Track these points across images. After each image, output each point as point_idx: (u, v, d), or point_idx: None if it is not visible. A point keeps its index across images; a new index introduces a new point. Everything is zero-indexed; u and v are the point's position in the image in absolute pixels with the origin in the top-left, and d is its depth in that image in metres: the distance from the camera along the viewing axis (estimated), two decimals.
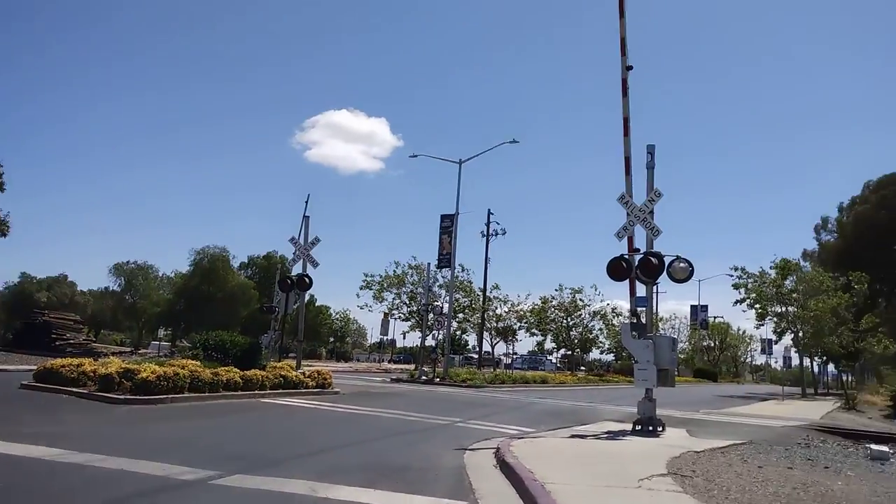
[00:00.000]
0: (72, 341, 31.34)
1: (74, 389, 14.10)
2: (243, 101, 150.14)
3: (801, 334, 39.83)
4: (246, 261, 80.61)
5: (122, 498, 5.51)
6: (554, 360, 68.58)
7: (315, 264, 21.89)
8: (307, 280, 21.81)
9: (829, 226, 61.53)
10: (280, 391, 17.19)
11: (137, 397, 13.23)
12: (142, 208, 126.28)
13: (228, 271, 73.15)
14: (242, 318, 67.87)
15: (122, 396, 13.28)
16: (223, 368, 16.08)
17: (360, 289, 44.44)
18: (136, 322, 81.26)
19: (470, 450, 9.48)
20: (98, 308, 78.66)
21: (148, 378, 13.60)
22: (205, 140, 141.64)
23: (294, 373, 18.71)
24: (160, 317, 71.12)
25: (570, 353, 60.62)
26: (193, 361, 16.00)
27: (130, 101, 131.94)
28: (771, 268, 40.04)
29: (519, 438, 10.51)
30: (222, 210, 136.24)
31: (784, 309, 40.50)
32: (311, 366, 26.70)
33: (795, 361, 47.27)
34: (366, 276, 44.27)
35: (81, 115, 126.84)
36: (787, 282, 40.25)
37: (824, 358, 45.76)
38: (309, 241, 21.99)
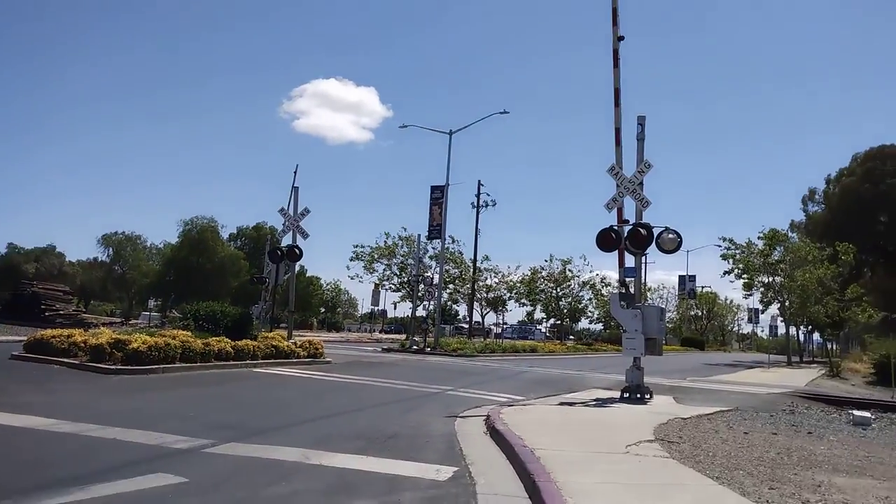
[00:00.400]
0: (61, 312, 31.26)
1: (65, 360, 14.12)
2: (229, 69, 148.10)
3: (787, 304, 40.32)
4: (235, 231, 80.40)
5: (117, 466, 5.57)
6: (543, 330, 69.13)
7: (305, 235, 21.83)
8: (297, 251, 21.78)
9: (817, 197, 62.06)
10: (272, 361, 17.27)
11: (129, 367, 13.26)
12: (129, 175, 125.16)
13: (218, 242, 72.90)
14: (233, 289, 67.83)
15: (113, 367, 13.31)
16: (214, 339, 16.12)
17: (351, 260, 44.41)
18: (125, 293, 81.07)
19: (460, 417, 9.60)
20: (87, 279, 78.37)
21: (139, 348, 13.62)
22: (191, 107, 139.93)
23: (285, 343, 18.78)
24: (150, 287, 70.86)
25: (559, 322, 61.02)
26: (184, 332, 16.03)
27: (117, 64, 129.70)
28: (759, 238, 40.40)
29: (509, 406, 10.65)
30: (211, 180, 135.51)
31: (771, 279, 40.93)
32: (302, 336, 26.83)
33: (781, 330, 48.00)
34: (356, 247, 44.21)
35: (66, 81, 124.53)
36: (775, 252, 40.62)
37: (810, 327, 46.37)
38: (298, 212, 21.90)
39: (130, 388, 11.33)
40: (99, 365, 13.47)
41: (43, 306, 31.14)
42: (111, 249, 78.69)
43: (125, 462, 5.75)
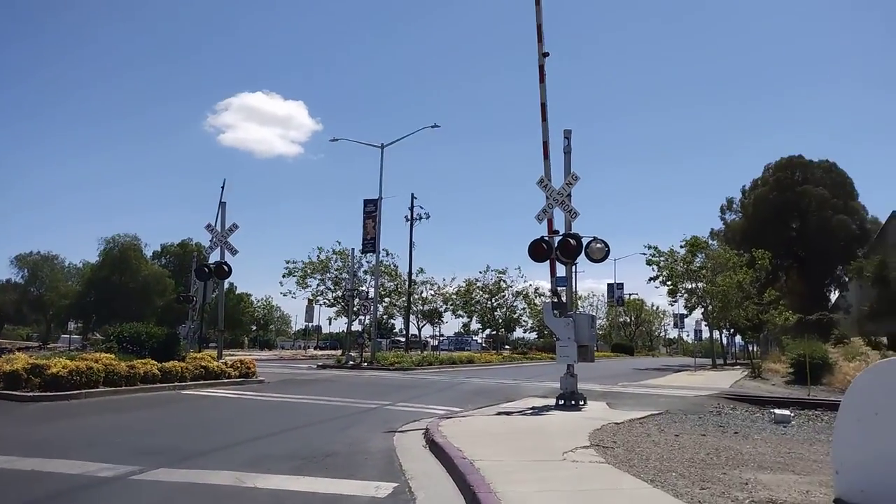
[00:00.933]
0: None
1: None
2: (149, 81, 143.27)
3: (710, 308, 41.96)
4: (159, 249, 77.70)
5: (37, 500, 5.26)
6: (479, 341, 69.69)
7: (234, 252, 21.31)
8: (226, 268, 21.21)
9: (734, 206, 64.94)
10: (202, 382, 16.74)
11: (48, 394, 12.60)
12: (46, 200, 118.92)
13: (141, 260, 70.31)
14: (158, 309, 65.45)
15: (30, 394, 12.60)
16: (140, 361, 15.50)
17: (283, 276, 43.60)
18: (42, 315, 76.95)
19: (399, 432, 9.53)
20: None
21: (59, 373, 12.96)
22: (109, 129, 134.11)
23: (215, 363, 18.24)
24: (69, 309, 67.57)
25: (494, 332, 61.69)
26: (107, 355, 15.31)
27: (32, 88, 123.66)
28: (681, 246, 41.98)
29: (447, 418, 10.65)
30: (133, 199, 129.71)
31: (694, 285, 42.54)
32: (233, 355, 26.11)
33: (706, 334, 49.90)
34: (288, 262, 43.43)
35: None
36: (697, 259, 42.30)
37: (732, 330, 48.32)
38: (226, 227, 21.37)
39: (50, 416, 10.74)
40: (14, 392, 12.71)
41: None
42: (26, 270, 74.58)
43: (45, 495, 5.44)
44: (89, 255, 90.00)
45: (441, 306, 55.55)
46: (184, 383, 16.08)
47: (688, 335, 70.30)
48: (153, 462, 6.75)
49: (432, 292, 53.84)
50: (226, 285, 26.23)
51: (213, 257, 21.96)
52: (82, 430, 9.42)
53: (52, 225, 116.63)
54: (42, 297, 73.97)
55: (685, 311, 46.21)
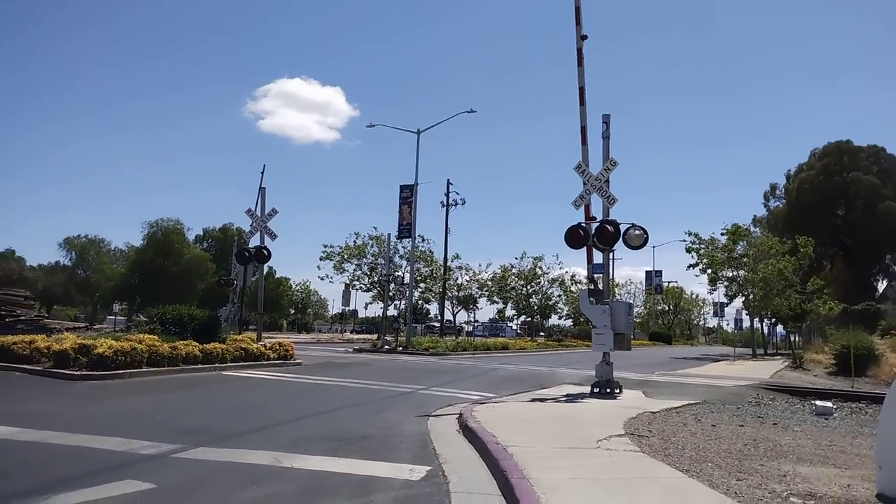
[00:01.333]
0: (22, 318, 30.45)
1: (28, 366, 13.81)
2: (191, 69, 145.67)
3: (751, 297, 41.12)
4: (201, 233, 79.19)
5: (83, 474, 5.45)
6: (514, 327, 69.60)
7: (273, 236, 21.64)
8: (265, 252, 21.56)
9: (778, 192, 63.44)
10: (241, 364, 17.09)
11: (94, 373, 13.01)
12: (91, 181, 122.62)
13: (183, 244, 71.71)
14: (200, 292, 66.76)
15: (78, 372, 13.04)
16: (182, 342, 15.89)
17: (321, 260, 44.14)
18: (89, 297, 79.32)
19: (433, 416, 9.60)
20: (49, 283, 76.40)
21: (104, 353, 13.36)
22: (152, 110, 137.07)
23: (255, 345, 18.59)
24: (115, 291, 69.39)
25: (529, 319, 61.54)
26: (151, 336, 15.76)
27: (77, 70, 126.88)
28: (722, 233, 41.14)
29: (481, 404, 10.69)
30: (175, 181, 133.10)
31: (735, 273, 41.71)
32: (272, 338, 26.56)
33: (746, 323, 48.98)
34: (325, 247, 43.94)
35: (29, 87, 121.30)
36: (738, 247, 41.42)
37: (773, 319, 47.36)
38: (266, 212, 21.69)
39: (96, 394, 11.10)
40: (63, 371, 13.18)
41: (2, 312, 30.31)
42: (74, 253, 76.84)
43: (91, 470, 5.63)
44: (134, 238, 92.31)
45: (476, 292, 55.61)
46: (224, 364, 16.43)
47: (728, 324, 69.32)
48: (194, 441, 6.94)
49: (467, 278, 53.93)
50: (265, 269, 26.68)
51: (254, 242, 22.33)
52: (126, 409, 9.72)
53: (96, 205, 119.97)
54: (89, 279, 76.22)
55: (725, 300, 45.34)
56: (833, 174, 55.95)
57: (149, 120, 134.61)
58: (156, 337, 15.72)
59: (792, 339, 47.36)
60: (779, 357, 41.44)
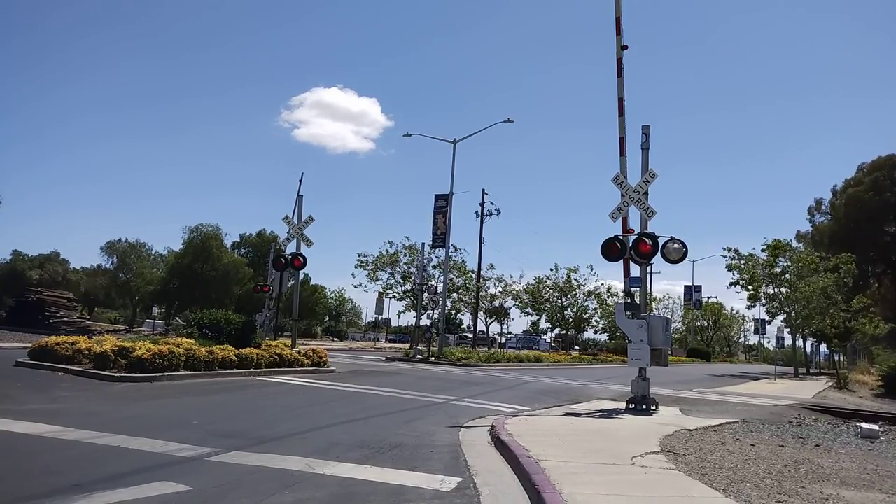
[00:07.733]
0: (65, 319, 31.33)
1: (69, 367, 14.14)
2: (228, 78, 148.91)
3: (793, 315, 40.09)
4: (238, 239, 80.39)
5: (120, 474, 5.54)
6: (548, 340, 69.02)
7: (309, 243, 21.89)
8: (302, 259, 21.80)
9: (823, 207, 61.84)
10: (275, 369, 17.25)
11: (133, 375, 13.26)
12: (132, 184, 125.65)
13: (222, 249, 72.85)
14: (236, 297, 67.79)
15: (117, 374, 13.31)
16: (218, 347, 16.12)
17: (355, 268, 44.61)
18: (129, 300, 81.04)
19: (465, 427, 9.55)
20: (91, 286, 78.39)
21: (143, 356, 13.63)
22: (192, 117, 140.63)
23: (289, 351, 18.75)
24: (154, 295, 70.83)
25: (564, 332, 60.89)
26: (188, 340, 16.03)
27: (118, 75, 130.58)
28: (762, 249, 40.18)
29: (514, 416, 10.60)
30: (213, 186, 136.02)
31: (776, 290, 40.72)
32: (306, 344, 26.80)
33: (788, 341, 47.68)
34: (360, 255, 44.37)
35: (69, 91, 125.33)
36: (779, 263, 40.44)
37: (816, 338, 46.07)
38: (303, 220, 21.95)
39: (134, 396, 11.31)
40: (103, 372, 13.47)
41: (47, 313, 31.23)
42: (115, 257, 78.65)
43: (129, 470, 5.73)
44: (174, 243, 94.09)
45: (509, 304, 55.34)
46: (259, 370, 16.61)
47: (769, 342, 67.48)
48: (228, 445, 7.01)
49: (501, 289, 53.70)
50: (300, 276, 26.96)
51: (290, 248, 22.61)
52: (163, 411, 9.88)
53: (140, 216, 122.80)
54: (129, 283, 77.88)
55: (766, 317, 44.29)
56: (883, 189, 54.20)
57: (183, 124, 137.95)
58: (193, 341, 15.98)
59: (836, 358, 46.05)
60: (822, 377, 40.30)
